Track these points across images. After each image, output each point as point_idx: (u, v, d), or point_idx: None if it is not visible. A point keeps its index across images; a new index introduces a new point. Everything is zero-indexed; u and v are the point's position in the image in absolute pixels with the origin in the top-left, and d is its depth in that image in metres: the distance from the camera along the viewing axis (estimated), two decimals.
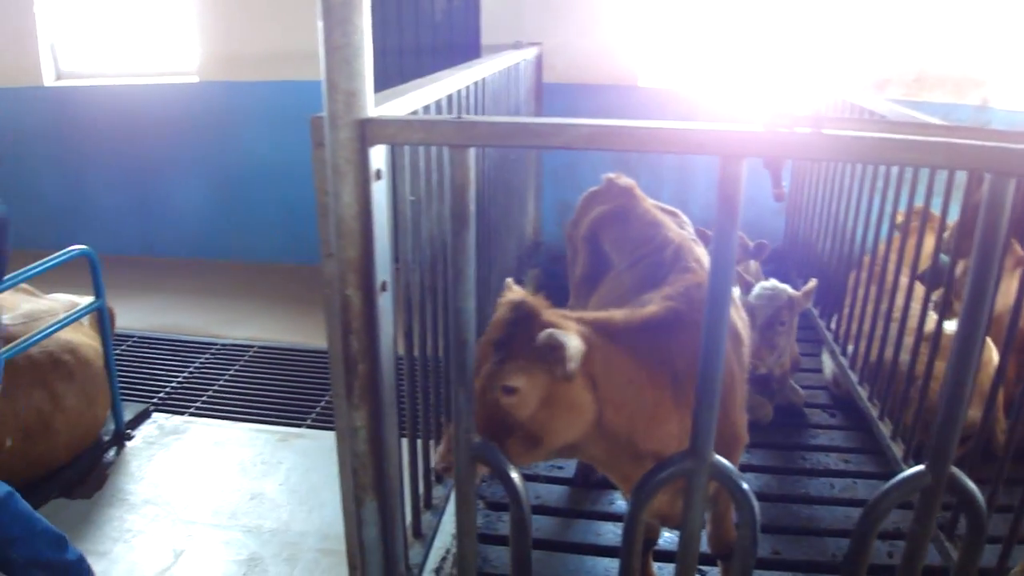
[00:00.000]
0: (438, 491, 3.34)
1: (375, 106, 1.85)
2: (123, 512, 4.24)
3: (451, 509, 3.37)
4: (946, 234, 3.78)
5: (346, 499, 2.24)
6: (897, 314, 4.10)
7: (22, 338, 4.20)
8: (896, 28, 6.40)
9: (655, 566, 3.45)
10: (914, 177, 3.88)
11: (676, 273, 3.05)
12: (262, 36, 7.70)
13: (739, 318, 3.20)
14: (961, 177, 3.61)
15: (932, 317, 3.69)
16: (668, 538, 3.63)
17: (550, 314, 2.33)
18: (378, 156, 1.84)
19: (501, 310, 2.34)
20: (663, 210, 3.80)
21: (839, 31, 6.53)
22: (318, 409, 5.24)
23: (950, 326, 3.56)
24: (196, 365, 5.94)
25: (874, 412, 4.20)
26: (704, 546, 3.01)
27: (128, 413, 5.02)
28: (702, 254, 3.29)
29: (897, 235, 4.35)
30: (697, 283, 2.86)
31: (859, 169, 4.76)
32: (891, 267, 4.24)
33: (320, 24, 1.72)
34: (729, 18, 6.91)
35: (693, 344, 2.46)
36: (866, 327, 4.40)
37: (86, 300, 4.75)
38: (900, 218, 4.38)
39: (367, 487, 2.08)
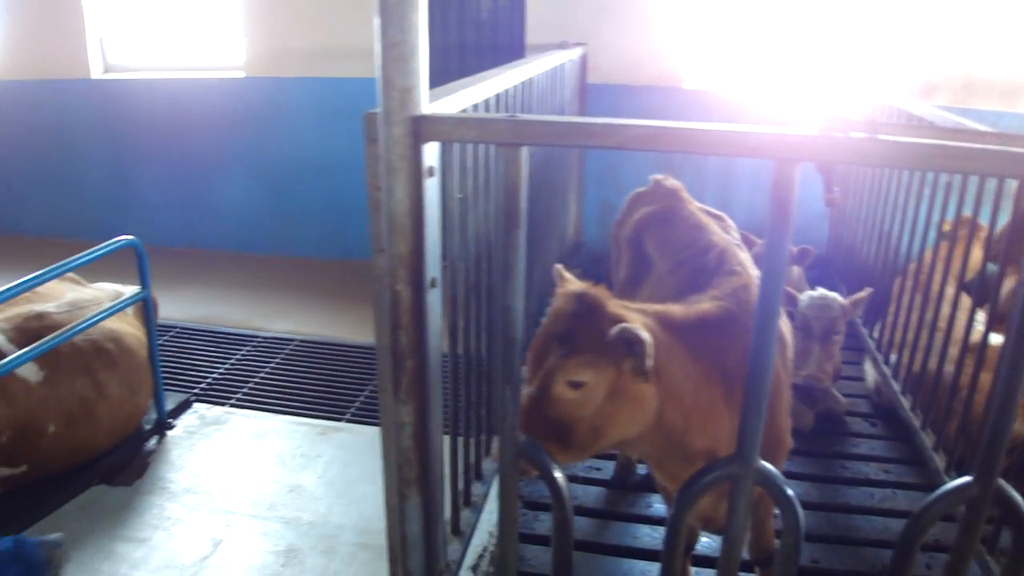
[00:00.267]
0: (477, 489, 3.35)
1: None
2: (163, 500, 4.29)
3: (489, 507, 3.39)
4: (994, 238, 3.73)
5: (389, 494, 2.24)
6: (942, 324, 4.05)
7: (67, 326, 4.26)
8: (945, 33, 6.32)
9: (693, 571, 3.44)
10: (963, 185, 3.83)
11: (721, 276, 3.03)
12: (308, 32, 7.76)
13: (784, 322, 3.18)
14: (1011, 185, 3.56)
15: (978, 328, 3.64)
16: (705, 543, 3.62)
17: (615, 306, 2.28)
18: (431, 153, 1.85)
19: (561, 301, 2.29)
20: (708, 214, 3.77)
21: (886, 35, 6.46)
22: (357, 404, 5.27)
23: (996, 338, 3.52)
24: (237, 357, 5.99)
25: (916, 423, 4.15)
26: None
27: (170, 403, 5.08)
28: (746, 259, 3.27)
29: (944, 243, 4.29)
30: (743, 285, 2.84)
31: (905, 175, 4.70)
32: (937, 276, 4.18)
33: (376, 21, 1.73)
34: (775, 21, 6.85)
35: (743, 344, 2.44)
36: (910, 336, 4.34)
37: (130, 290, 4.82)
38: (947, 226, 4.33)
39: (411, 483, 2.09)
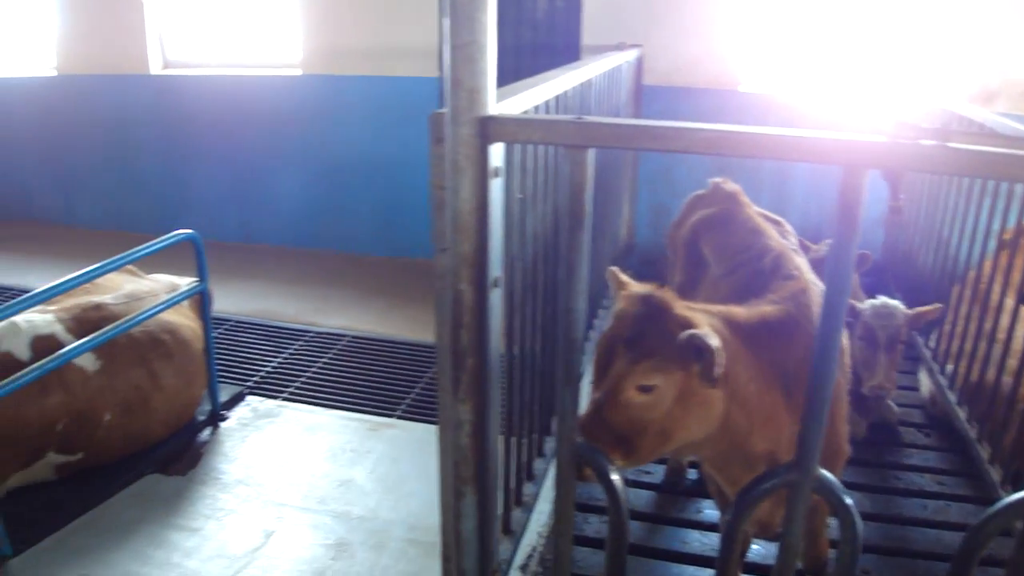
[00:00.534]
0: (528, 489, 3.35)
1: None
2: (216, 491, 4.35)
3: (540, 507, 3.39)
4: None
5: (445, 492, 2.25)
6: (1001, 335, 3.98)
7: (124, 318, 4.33)
8: (1005, 39, 6.21)
9: None
10: None
11: (778, 280, 3.00)
12: (365, 31, 7.82)
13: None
14: None
15: None
16: (755, 550, 3.59)
17: (682, 307, 2.27)
18: (497, 154, 1.86)
19: (626, 303, 2.27)
20: (767, 218, 3.74)
21: (945, 40, 6.37)
22: (408, 401, 5.30)
23: None
24: (290, 351, 6.05)
25: (972, 434, 4.09)
26: None
27: (224, 395, 5.16)
28: (803, 264, 3.23)
29: (1004, 252, 4.22)
30: (801, 289, 2.82)
31: (965, 181, 4.63)
32: (996, 285, 4.12)
33: (446, 21, 1.74)
34: (832, 23, 6.78)
35: (803, 348, 2.43)
36: (968, 346, 4.28)
37: (185, 281, 4.90)
38: (1007, 235, 4.25)
39: (468, 481, 2.10)
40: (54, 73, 9.20)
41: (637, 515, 3.90)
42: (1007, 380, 3.80)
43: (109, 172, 9.25)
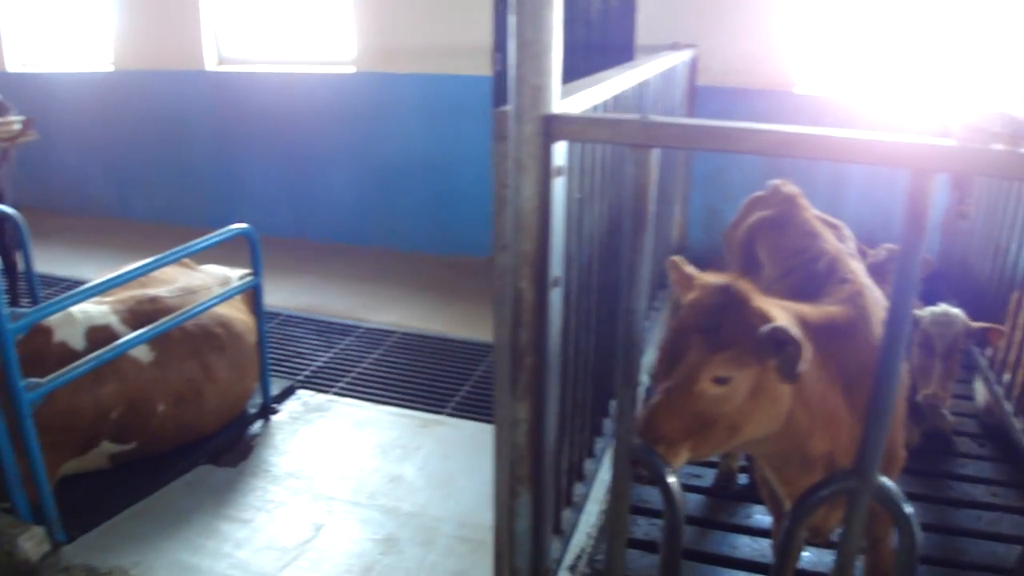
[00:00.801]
0: (578, 489, 3.35)
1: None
2: (266, 483, 4.39)
3: (589, 508, 3.38)
4: None
5: (499, 490, 2.24)
6: None
7: (180, 311, 4.39)
8: None
9: None
10: None
11: (833, 284, 2.96)
12: (419, 29, 7.85)
13: None
14: None
15: None
16: (806, 557, 3.55)
17: (761, 301, 2.23)
18: (560, 152, 1.86)
19: (701, 293, 2.23)
20: (825, 222, 3.70)
21: (1002, 42, 6.25)
22: (458, 398, 5.31)
23: None
24: (341, 346, 6.09)
25: None
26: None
27: (275, 388, 5.20)
28: (858, 268, 3.19)
29: None
30: (858, 291, 2.78)
31: None
32: None
33: (512, 19, 1.74)
34: (888, 25, 6.68)
35: (865, 351, 2.39)
36: None
37: (236, 273, 4.98)
38: None
39: (523, 480, 2.10)
40: (111, 69, 9.36)
41: (687, 519, 3.87)
42: None
43: (164, 167, 9.38)
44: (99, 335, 4.17)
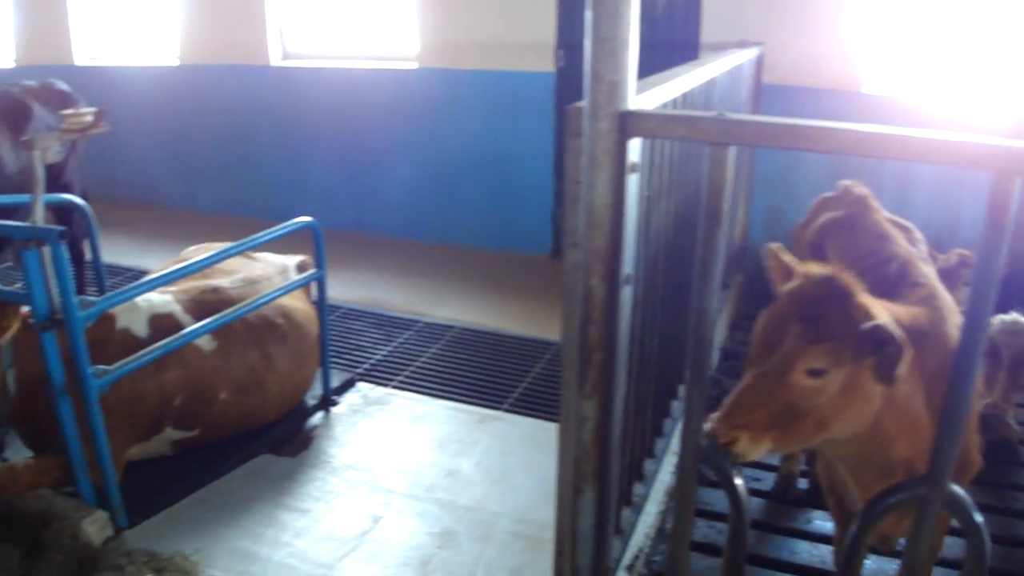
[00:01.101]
0: (637, 489, 3.33)
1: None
2: (326, 474, 4.43)
3: (648, 508, 3.37)
4: None
5: (563, 487, 2.23)
6: None
7: (243, 302, 4.44)
8: None
9: None
10: None
11: (905, 287, 2.92)
12: (481, 26, 7.86)
13: None
14: None
15: None
16: (867, 566, 3.50)
17: (864, 297, 2.19)
18: (635, 149, 1.84)
19: (803, 282, 2.19)
20: (895, 224, 3.64)
21: None
22: (516, 394, 5.31)
23: None
24: (400, 340, 6.13)
25: None
26: None
27: (335, 380, 5.24)
28: (930, 272, 3.14)
29: None
30: (931, 294, 2.74)
31: None
32: None
33: (588, 14, 1.73)
34: (958, 24, 6.54)
35: (941, 355, 2.34)
36: None
37: (293, 261, 5.06)
38: None
39: (587, 478, 2.09)
40: (177, 63, 9.52)
41: None
42: None
43: (228, 160, 9.51)
44: (162, 323, 4.24)
